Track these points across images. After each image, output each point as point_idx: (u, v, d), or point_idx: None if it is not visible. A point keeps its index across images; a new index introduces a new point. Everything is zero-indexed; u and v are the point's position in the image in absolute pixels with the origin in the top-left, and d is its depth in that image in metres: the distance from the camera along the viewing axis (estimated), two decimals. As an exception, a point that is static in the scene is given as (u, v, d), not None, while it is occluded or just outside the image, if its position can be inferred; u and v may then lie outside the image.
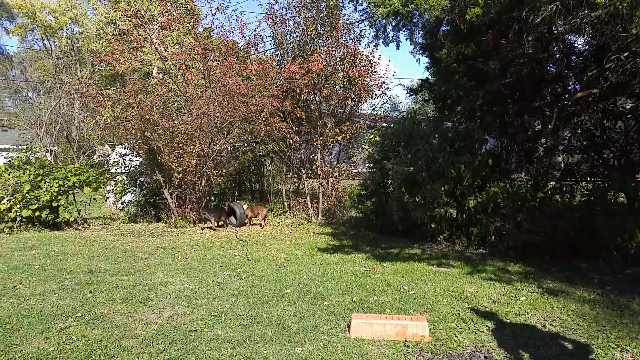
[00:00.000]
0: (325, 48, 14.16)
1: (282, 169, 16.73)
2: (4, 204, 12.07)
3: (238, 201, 14.67)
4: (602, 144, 10.47)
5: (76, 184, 13.16)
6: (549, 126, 10.82)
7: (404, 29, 11.07)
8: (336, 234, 12.49)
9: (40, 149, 26.33)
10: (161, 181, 13.53)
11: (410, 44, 12.74)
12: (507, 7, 8.67)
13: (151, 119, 13.18)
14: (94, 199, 15.98)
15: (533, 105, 10.91)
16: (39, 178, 12.48)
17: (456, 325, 5.39)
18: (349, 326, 5.15)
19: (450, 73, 11.58)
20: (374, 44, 14.40)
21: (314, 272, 7.94)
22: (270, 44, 19.14)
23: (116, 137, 14.28)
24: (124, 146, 15.29)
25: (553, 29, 8.97)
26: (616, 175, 9.32)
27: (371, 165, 13.48)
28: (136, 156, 15.16)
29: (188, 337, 4.89)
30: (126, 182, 15.43)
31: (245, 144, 15.90)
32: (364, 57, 14.38)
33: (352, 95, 14.93)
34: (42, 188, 12.41)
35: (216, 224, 13.11)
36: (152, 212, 14.95)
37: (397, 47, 26.62)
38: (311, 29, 14.37)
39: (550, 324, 5.39)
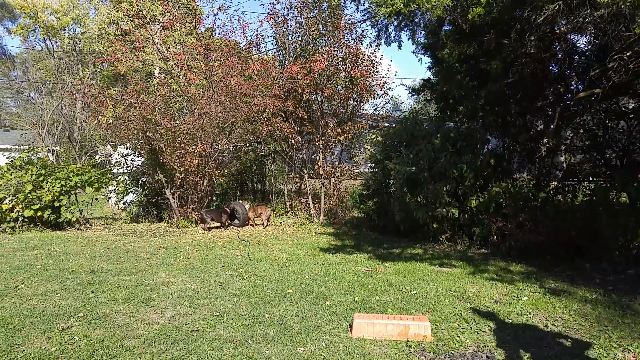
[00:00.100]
0: (327, 48, 14.17)
1: (284, 169, 16.75)
2: (6, 204, 12.09)
3: (240, 201, 14.66)
4: (605, 144, 10.45)
5: (78, 184, 13.19)
6: (552, 126, 10.80)
7: (406, 28, 11.05)
8: (338, 234, 12.49)
9: (42, 149, 26.44)
10: (163, 181, 13.55)
11: (412, 44, 12.74)
12: (510, 7, 8.64)
13: (153, 119, 13.19)
14: (96, 199, 16.03)
15: (535, 105, 10.90)
16: (41, 178, 12.51)
17: (458, 325, 5.38)
18: (351, 326, 5.14)
19: (453, 73, 11.56)
20: (375, 43, 14.43)
21: (316, 272, 7.94)
22: (272, 44, 19.10)
23: (118, 137, 14.29)
24: (125, 146, 15.31)
25: (555, 28, 8.95)
26: (618, 175, 9.30)
27: (373, 165, 13.48)
28: (138, 156, 15.18)
29: (190, 337, 4.89)
30: (128, 182, 15.45)
31: (247, 144, 15.91)
32: (366, 57, 14.38)
33: (354, 95, 14.93)
34: (44, 188, 12.43)
35: (208, 227, 12.99)
36: (154, 212, 14.97)
37: (399, 47, 26.63)
38: (313, 29, 14.37)
39: (552, 324, 5.38)
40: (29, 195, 12.03)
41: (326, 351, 4.60)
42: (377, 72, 14.67)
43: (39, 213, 12.27)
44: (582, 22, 7.77)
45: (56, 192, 12.46)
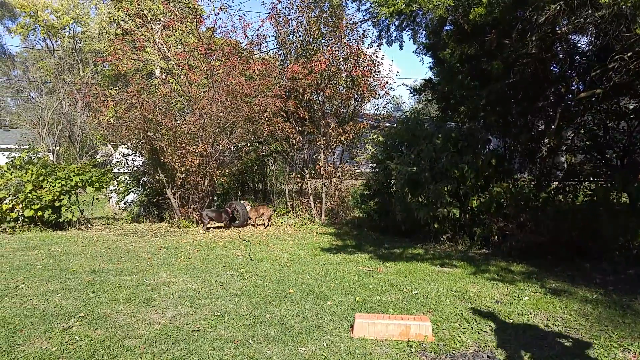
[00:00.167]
0: (329, 48, 14.17)
1: (285, 169, 16.75)
2: (6, 203, 12.08)
3: (242, 201, 14.66)
4: (605, 144, 10.46)
5: (79, 184, 13.19)
6: (552, 126, 10.80)
7: (407, 28, 11.05)
8: (339, 234, 12.49)
9: (42, 148, 26.44)
10: (164, 181, 13.55)
11: (414, 44, 12.74)
12: (511, 7, 8.64)
13: (154, 119, 13.19)
14: (97, 198, 16.04)
15: (536, 106, 10.89)
16: (41, 178, 12.50)
17: (459, 325, 5.38)
18: (352, 326, 5.14)
19: (454, 73, 11.56)
20: (377, 43, 14.40)
21: (317, 272, 7.94)
22: (273, 43, 19.14)
23: (119, 137, 14.29)
24: (126, 146, 15.30)
25: (557, 28, 8.96)
26: (619, 176, 9.30)
27: (374, 165, 13.48)
28: (139, 156, 15.18)
29: (191, 337, 4.88)
30: (129, 182, 15.45)
31: (248, 144, 15.92)
32: (367, 57, 14.38)
33: (355, 95, 14.93)
34: (44, 188, 12.42)
35: (207, 228, 12.96)
36: (155, 212, 14.97)
37: (401, 47, 26.67)
38: (314, 29, 14.37)
39: (553, 324, 5.38)
40: (29, 195, 12.02)
41: (327, 351, 4.60)
42: (378, 72, 14.70)
43: (40, 213, 12.27)
44: (583, 22, 7.77)
45: (57, 191, 12.46)
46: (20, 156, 13.15)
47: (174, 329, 5.10)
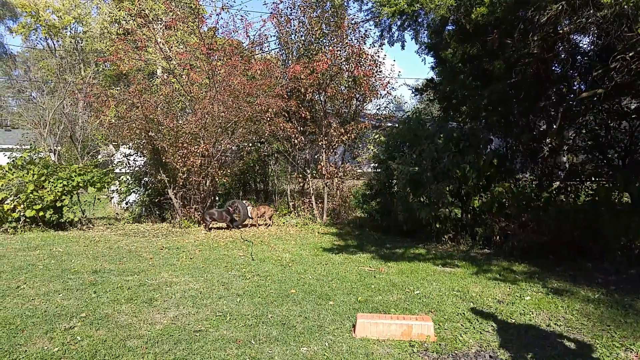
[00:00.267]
0: (330, 48, 14.16)
1: (287, 169, 16.75)
2: (7, 204, 12.09)
3: (244, 201, 14.65)
4: (607, 144, 10.44)
5: (80, 184, 13.19)
6: (554, 126, 10.80)
7: (409, 28, 11.05)
8: (341, 234, 12.48)
9: (43, 148, 26.46)
10: (165, 181, 13.55)
11: (416, 44, 12.77)
12: (513, 7, 8.64)
13: (155, 119, 13.20)
14: (98, 199, 16.05)
15: (538, 105, 10.89)
16: (42, 178, 12.51)
17: (461, 325, 5.38)
18: (354, 326, 5.14)
19: (456, 73, 11.56)
20: (379, 43, 14.40)
21: (319, 272, 7.94)
22: (275, 43, 19.14)
23: (120, 137, 14.29)
24: (128, 146, 15.31)
25: (558, 28, 8.95)
26: (621, 176, 9.29)
27: (376, 165, 13.48)
28: (140, 156, 15.18)
29: (193, 337, 4.89)
30: (130, 182, 15.46)
31: (250, 144, 15.92)
32: (369, 56, 14.37)
33: (357, 95, 14.92)
34: (46, 188, 12.43)
35: (209, 228, 12.93)
36: (157, 212, 14.99)
37: (402, 46, 26.56)
38: (316, 29, 14.37)
39: (555, 324, 5.38)
40: (30, 195, 12.03)
41: (329, 351, 4.60)
42: (380, 72, 14.67)
43: (41, 213, 12.28)
44: (585, 22, 7.77)
45: (58, 192, 12.47)
46: (21, 156, 13.16)
47: (175, 329, 5.10)
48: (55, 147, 30.51)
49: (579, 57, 10.38)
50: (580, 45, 10.46)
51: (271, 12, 15.20)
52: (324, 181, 14.89)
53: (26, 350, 4.48)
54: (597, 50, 9.61)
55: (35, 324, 5.18)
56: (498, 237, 9.85)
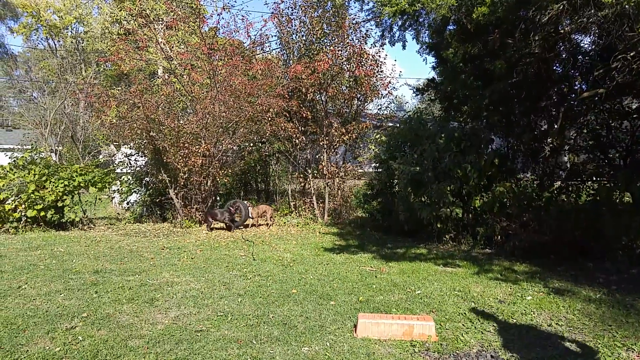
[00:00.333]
0: (331, 47, 14.15)
1: (288, 169, 16.75)
2: (9, 204, 12.09)
3: (245, 202, 14.63)
4: (608, 144, 10.43)
5: (81, 184, 13.19)
6: (555, 126, 10.79)
7: (410, 28, 11.07)
8: (342, 234, 12.48)
9: (45, 149, 26.49)
10: (167, 181, 13.55)
11: (417, 43, 12.78)
12: (514, 6, 8.64)
13: (157, 119, 13.19)
14: (100, 199, 16.05)
15: (539, 105, 10.88)
16: (44, 178, 12.51)
17: (463, 324, 5.38)
18: (355, 326, 5.15)
19: (457, 72, 11.56)
20: (380, 43, 14.39)
21: (320, 272, 7.94)
22: (276, 43, 19.16)
23: (121, 137, 14.29)
24: (129, 146, 15.31)
25: (559, 28, 8.95)
26: (622, 175, 9.28)
27: (377, 165, 13.47)
28: (142, 156, 15.18)
29: (194, 337, 4.89)
30: (132, 182, 15.47)
31: (251, 144, 15.91)
32: (370, 56, 14.35)
33: (358, 95, 14.91)
34: (47, 188, 12.43)
35: (211, 228, 12.90)
36: (158, 212, 14.99)
37: (404, 46, 26.60)
38: (317, 29, 14.36)
39: (557, 324, 5.38)
40: (32, 195, 12.03)
41: (331, 351, 4.60)
42: (381, 71, 14.65)
43: (42, 213, 12.28)
44: (586, 22, 7.77)
45: (59, 192, 12.47)
46: (22, 156, 13.15)
47: (177, 329, 5.10)
48: (57, 147, 30.52)
49: (580, 56, 10.37)
50: (582, 45, 10.46)
51: (272, 12, 15.21)
52: (325, 181, 14.88)
53: (28, 350, 4.48)
54: (599, 50, 9.59)
55: (36, 323, 5.18)
56: (499, 237, 9.85)
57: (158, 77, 22.00)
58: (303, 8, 14.64)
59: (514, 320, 5.51)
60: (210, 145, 13.34)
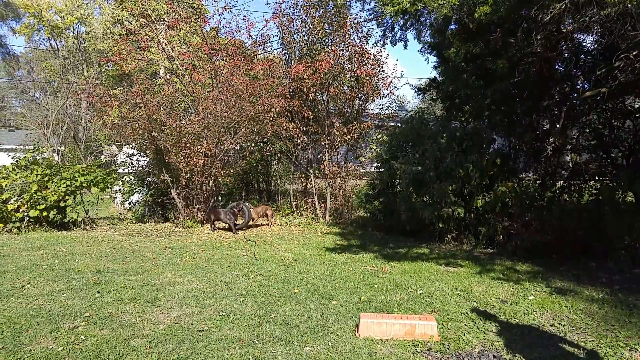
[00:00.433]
0: (333, 47, 14.15)
1: (290, 169, 16.73)
2: (11, 204, 12.10)
3: (247, 202, 14.61)
4: (611, 143, 10.41)
5: (84, 184, 13.20)
6: (557, 125, 10.78)
7: (412, 28, 11.09)
8: (344, 234, 12.48)
9: (47, 149, 26.45)
10: (169, 181, 13.56)
11: (419, 43, 12.80)
12: (516, 6, 8.64)
13: (158, 119, 13.19)
14: (102, 199, 16.06)
15: (541, 105, 10.87)
16: (46, 178, 12.52)
17: (465, 324, 5.37)
18: (357, 326, 5.14)
19: (459, 72, 11.55)
20: (381, 43, 14.42)
21: (322, 272, 7.94)
22: (278, 43, 19.17)
23: (123, 137, 14.30)
24: (131, 146, 15.32)
25: (562, 27, 8.94)
26: (625, 175, 9.27)
27: (379, 165, 13.45)
28: (143, 156, 15.19)
29: (196, 336, 4.89)
30: (133, 182, 15.47)
31: (253, 144, 15.91)
32: (372, 56, 14.34)
33: (360, 95, 14.90)
34: (49, 188, 12.45)
35: (213, 228, 12.82)
36: (160, 212, 14.99)
37: (405, 46, 26.70)
38: (318, 28, 14.35)
39: (559, 323, 5.37)
40: (34, 195, 12.05)
41: (333, 351, 4.60)
42: (382, 71, 14.63)
43: (45, 213, 12.29)
44: (589, 21, 7.76)
45: (62, 192, 12.48)
46: (25, 157, 13.17)
47: (179, 328, 5.11)
48: (59, 148, 30.53)
49: (582, 56, 10.36)
50: (584, 44, 10.45)
51: (273, 12, 15.20)
52: (327, 181, 14.87)
53: (31, 350, 4.49)
54: (601, 49, 9.58)
55: (39, 323, 5.19)
56: (501, 237, 9.84)
57: (160, 77, 22.00)
58: (304, 8, 14.64)
59: (516, 320, 5.50)
60: (212, 145, 13.33)
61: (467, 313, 5.76)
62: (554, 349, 4.68)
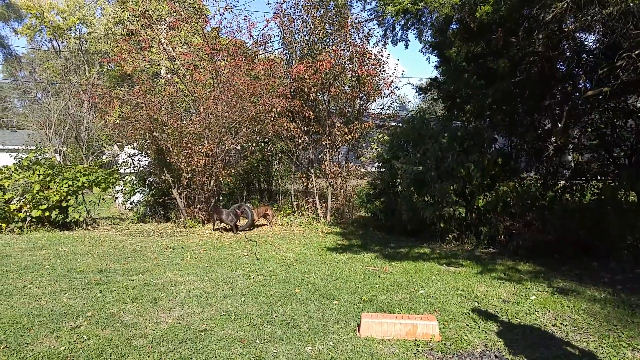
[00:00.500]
0: (334, 47, 14.15)
1: (291, 169, 16.73)
2: (14, 204, 12.13)
3: (248, 204, 14.58)
4: (613, 143, 10.39)
5: (85, 184, 13.22)
6: (559, 125, 10.76)
7: (413, 27, 11.07)
8: (345, 234, 12.48)
9: (49, 149, 26.54)
10: (170, 181, 13.56)
11: (420, 43, 12.76)
12: (518, 5, 8.62)
13: (160, 119, 13.20)
14: (103, 199, 16.06)
15: (543, 104, 10.85)
16: (48, 178, 12.54)
17: (466, 324, 5.37)
18: (358, 325, 5.14)
19: (460, 71, 11.53)
20: (382, 42, 14.38)
21: (323, 272, 7.94)
22: (279, 43, 19.14)
23: (125, 137, 14.31)
24: (132, 146, 15.33)
25: (563, 26, 8.92)
26: (627, 174, 9.24)
27: (380, 164, 13.45)
28: (145, 156, 15.20)
29: (198, 336, 4.90)
30: (135, 182, 15.48)
31: (254, 144, 15.90)
32: (373, 56, 14.33)
33: (361, 95, 14.89)
34: (51, 188, 12.47)
35: (216, 228, 12.79)
36: (161, 212, 14.99)
37: (406, 46, 26.66)
38: (319, 28, 14.35)
39: (561, 323, 5.36)
40: (36, 195, 12.07)
41: (334, 350, 4.60)
42: (383, 71, 14.61)
43: (47, 213, 12.31)
44: (591, 20, 7.74)
45: (63, 192, 12.50)
46: (27, 157, 13.20)
47: (180, 328, 5.11)
48: (61, 148, 30.60)
49: (584, 55, 10.33)
50: (586, 43, 10.42)
51: (274, 12, 15.20)
52: (328, 181, 14.87)
53: (33, 349, 4.50)
54: (603, 48, 9.55)
55: (42, 322, 5.20)
56: (503, 237, 9.83)
57: (161, 78, 22.02)
58: (305, 8, 14.63)
59: (518, 320, 5.50)
60: (213, 145, 13.34)
61: (468, 313, 5.76)
62: (556, 349, 4.68)
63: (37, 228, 12.40)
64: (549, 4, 7.72)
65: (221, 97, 12.99)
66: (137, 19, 22.20)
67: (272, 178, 17.92)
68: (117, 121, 13.90)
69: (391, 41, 11.83)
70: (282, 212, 15.40)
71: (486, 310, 5.83)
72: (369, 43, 14.58)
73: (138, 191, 15.51)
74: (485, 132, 10.90)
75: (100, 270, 7.82)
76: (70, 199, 12.72)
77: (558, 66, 10.74)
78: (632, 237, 8.43)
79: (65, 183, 12.63)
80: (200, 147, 13.05)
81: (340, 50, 14.09)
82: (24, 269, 7.85)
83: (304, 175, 15.82)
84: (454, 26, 11.21)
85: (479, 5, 8.73)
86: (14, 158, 13.30)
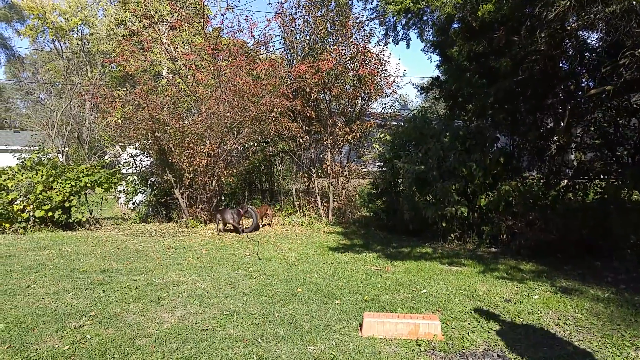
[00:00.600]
0: (335, 47, 14.15)
1: (292, 169, 16.74)
2: (17, 204, 12.16)
3: (251, 205, 14.56)
4: (616, 142, 10.37)
5: (88, 185, 13.25)
6: (562, 124, 10.75)
7: (414, 27, 11.07)
8: (347, 233, 12.47)
9: (52, 149, 26.59)
10: (172, 181, 13.57)
11: (421, 42, 12.77)
12: (520, 4, 8.61)
13: (161, 119, 13.21)
14: (106, 199, 16.11)
15: (545, 103, 10.83)
16: (51, 179, 12.57)
17: (468, 324, 5.36)
18: (360, 325, 5.13)
19: (462, 71, 11.53)
20: (384, 42, 14.43)
21: (325, 271, 7.93)
22: (280, 43, 19.11)
23: (127, 137, 14.32)
24: (134, 146, 15.34)
25: (566, 25, 8.91)
26: (630, 173, 9.23)
27: (381, 164, 13.44)
28: (147, 156, 15.21)
29: (200, 336, 4.90)
30: (137, 182, 15.50)
31: (256, 144, 15.91)
32: (374, 55, 14.33)
33: (362, 94, 14.89)
34: (54, 189, 12.50)
35: (218, 230, 12.77)
36: (163, 212, 15.01)
37: (407, 45, 26.65)
38: (321, 28, 14.35)
39: (564, 323, 5.35)
40: (39, 195, 12.10)
41: (336, 350, 4.59)
42: (385, 70, 14.61)
43: (50, 213, 12.34)
44: (593, 18, 7.73)
45: (66, 192, 12.53)
46: (30, 157, 13.24)
47: (183, 328, 5.11)
48: (63, 148, 30.66)
49: (587, 53, 10.31)
50: (589, 41, 10.40)
51: (276, 12, 15.21)
52: (329, 180, 14.87)
53: (37, 349, 4.51)
54: (606, 46, 9.53)
55: (45, 322, 5.21)
56: (505, 236, 9.81)
57: (163, 78, 22.05)
58: (307, 7, 14.64)
59: (521, 320, 5.49)
60: (215, 145, 13.35)
61: (470, 312, 5.75)
62: (559, 348, 4.67)
63: (40, 228, 12.43)
64: (552, 2, 7.71)
65: (223, 97, 13.00)
66: (139, 19, 22.22)
67: (274, 178, 17.92)
68: (119, 121, 13.92)
69: (392, 40, 11.86)
70: (283, 212, 15.41)
71: (488, 310, 5.82)
72: (370, 42, 14.59)
73: (140, 191, 15.52)
74: (487, 131, 10.89)
75: (103, 270, 7.83)
76: (73, 199, 12.75)
77: (560, 65, 10.73)
78: (635, 237, 8.40)
79: (68, 183, 12.67)
80: (202, 147, 13.06)
81: (342, 50, 14.09)
82: (28, 269, 7.87)
83: (306, 175, 15.81)
84: (455, 25, 11.21)
85: (481, 3, 8.73)
86: (17, 159, 13.35)
